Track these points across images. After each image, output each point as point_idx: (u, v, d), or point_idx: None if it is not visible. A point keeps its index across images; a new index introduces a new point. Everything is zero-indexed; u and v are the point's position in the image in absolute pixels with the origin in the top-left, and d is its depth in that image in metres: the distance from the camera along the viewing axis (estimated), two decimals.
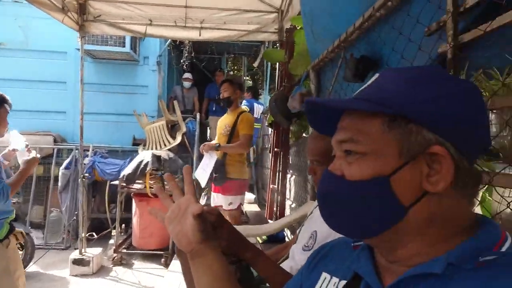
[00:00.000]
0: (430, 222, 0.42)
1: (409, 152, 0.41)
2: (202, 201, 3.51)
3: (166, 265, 3.37)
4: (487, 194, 0.84)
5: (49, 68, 4.49)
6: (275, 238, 2.14)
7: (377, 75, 0.48)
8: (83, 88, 3.10)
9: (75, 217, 3.82)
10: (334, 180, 0.46)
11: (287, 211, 3.16)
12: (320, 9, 1.80)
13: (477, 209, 0.86)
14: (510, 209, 0.72)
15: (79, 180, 3.37)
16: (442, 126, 0.41)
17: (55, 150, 4.13)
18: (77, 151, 3.76)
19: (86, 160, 3.94)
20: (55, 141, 4.27)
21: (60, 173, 3.97)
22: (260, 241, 2.17)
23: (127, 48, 4.23)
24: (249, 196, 3.88)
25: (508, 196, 0.73)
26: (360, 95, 0.47)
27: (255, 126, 4.23)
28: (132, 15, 3.02)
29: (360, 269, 0.48)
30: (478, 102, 0.43)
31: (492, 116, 0.79)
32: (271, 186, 3.36)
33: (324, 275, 0.55)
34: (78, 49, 3.17)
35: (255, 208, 3.69)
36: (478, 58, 0.81)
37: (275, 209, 3.19)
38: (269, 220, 3.01)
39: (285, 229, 2.59)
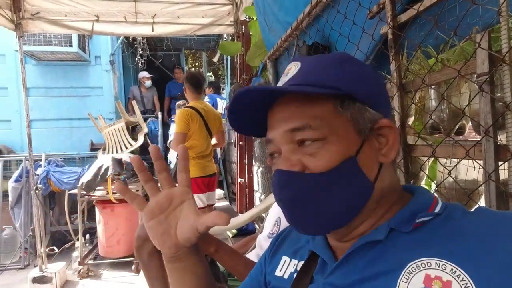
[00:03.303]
0: (383, 194, 0.44)
1: (364, 128, 0.43)
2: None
3: (138, 271, 3.26)
4: (427, 165, 0.90)
5: None
6: (245, 231, 2.14)
7: (298, 64, 0.46)
8: (26, 93, 2.85)
9: (31, 233, 3.54)
10: (299, 179, 0.42)
11: (257, 203, 3.17)
12: None
13: (423, 180, 0.92)
14: (452, 177, 0.77)
15: (32, 192, 3.12)
16: (377, 101, 0.45)
17: (2, 163, 3.78)
18: (27, 161, 3.47)
19: (39, 171, 3.66)
20: (0, 152, 3.90)
21: (9, 187, 3.64)
22: (231, 235, 2.16)
23: (74, 48, 3.94)
24: (218, 191, 3.85)
25: (449, 166, 0.77)
26: (292, 82, 0.44)
27: None
28: (76, 11, 2.81)
29: (315, 248, 0.50)
30: (383, 78, 0.51)
31: (431, 92, 0.84)
32: (239, 180, 3.35)
33: (284, 258, 0.56)
34: (17, 51, 2.89)
35: (225, 203, 3.67)
36: (415, 37, 0.85)
37: (244, 202, 3.20)
38: (239, 214, 3.01)
39: (256, 220, 2.60)
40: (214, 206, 2.99)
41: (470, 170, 0.74)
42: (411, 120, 0.92)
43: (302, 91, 0.43)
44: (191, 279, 0.52)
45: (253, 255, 1.18)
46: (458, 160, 0.71)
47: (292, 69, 0.46)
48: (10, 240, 3.65)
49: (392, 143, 0.44)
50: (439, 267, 0.36)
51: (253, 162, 3.19)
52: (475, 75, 0.65)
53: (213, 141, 2.83)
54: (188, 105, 2.57)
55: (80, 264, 3.26)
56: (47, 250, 3.30)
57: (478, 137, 0.67)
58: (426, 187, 0.92)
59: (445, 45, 0.78)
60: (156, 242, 0.50)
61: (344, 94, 0.42)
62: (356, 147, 0.42)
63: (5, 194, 3.69)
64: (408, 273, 0.37)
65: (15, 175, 3.69)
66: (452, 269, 0.35)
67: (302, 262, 0.51)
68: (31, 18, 2.75)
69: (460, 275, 0.35)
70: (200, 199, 2.60)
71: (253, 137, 3.15)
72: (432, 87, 0.80)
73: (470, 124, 0.80)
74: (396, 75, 0.87)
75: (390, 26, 0.86)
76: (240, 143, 3.24)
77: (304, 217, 0.43)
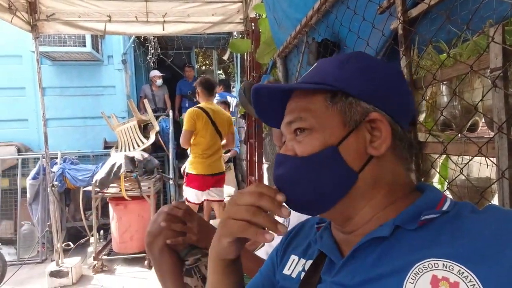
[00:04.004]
0: (376, 185, 0.45)
1: (351, 121, 0.45)
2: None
3: (150, 267, 3.32)
4: (439, 162, 0.88)
5: (3, 73, 4.18)
6: None
7: (316, 64, 0.52)
8: (42, 92, 2.94)
9: (48, 228, 3.66)
10: (287, 160, 0.48)
11: None
12: None
13: (435, 178, 0.90)
14: (464, 175, 0.75)
15: (49, 189, 3.22)
16: (374, 96, 0.46)
17: (20, 161, 3.91)
18: (43, 159, 3.57)
19: (55, 168, 3.77)
20: (19, 151, 4.03)
21: (27, 184, 3.77)
22: None
23: (88, 48, 4.02)
24: (229, 190, 3.87)
25: (461, 163, 0.76)
26: (302, 80, 0.51)
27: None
28: (89, 11, 2.87)
29: (322, 247, 0.50)
30: (397, 75, 0.49)
31: (443, 88, 0.82)
32: (249, 177, 3.36)
33: (293, 257, 0.57)
34: (34, 52, 2.98)
35: None
36: (426, 32, 0.83)
37: None
38: None
39: None
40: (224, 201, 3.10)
41: (483, 167, 0.73)
42: (422, 117, 0.90)
43: (287, 88, 0.51)
44: (240, 279, 0.56)
45: (262, 253, 1.19)
46: (471, 157, 0.70)
47: (312, 68, 0.52)
48: (29, 235, 3.78)
49: (384, 137, 0.45)
50: (446, 268, 0.36)
51: (263, 160, 3.19)
52: (488, 70, 0.63)
53: (223, 142, 3.01)
54: (198, 105, 2.84)
55: (94, 259, 3.35)
56: (63, 245, 3.40)
57: (492, 134, 0.66)
58: (438, 185, 0.90)
59: (457, 39, 0.77)
60: (234, 246, 0.50)
61: (335, 89, 0.45)
62: (339, 138, 0.44)
63: (24, 191, 3.82)
64: (415, 273, 0.37)
65: (32, 172, 3.81)
66: (459, 270, 0.35)
67: (310, 262, 0.52)
68: (46, 20, 2.82)
69: (467, 276, 0.34)
70: (195, 195, 2.87)
71: (263, 135, 3.15)
72: (444, 83, 0.79)
73: (483, 120, 0.78)
74: (406, 71, 0.85)
75: (400, 21, 0.84)
76: (251, 140, 3.24)
77: (288, 194, 0.47)
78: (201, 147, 2.80)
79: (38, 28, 2.81)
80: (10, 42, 4.11)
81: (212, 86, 2.88)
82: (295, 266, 0.55)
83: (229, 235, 0.47)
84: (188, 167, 2.90)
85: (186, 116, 2.77)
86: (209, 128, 2.78)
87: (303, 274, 0.51)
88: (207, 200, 2.98)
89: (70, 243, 3.71)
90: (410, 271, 0.38)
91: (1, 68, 4.19)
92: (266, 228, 0.45)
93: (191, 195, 2.87)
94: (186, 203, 2.82)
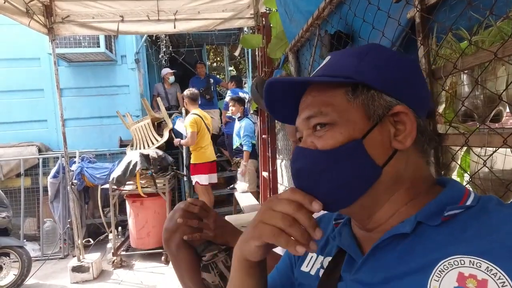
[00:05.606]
0: (398, 180, 0.44)
1: (375, 114, 0.44)
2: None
3: (167, 262, 3.39)
4: (460, 155, 0.85)
5: (23, 76, 4.32)
6: None
7: (329, 57, 0.50)
8: (60, 93, 3.02)
9: (69, 225, 3.78)
10: (308, 153, 0.46)
11: None
12: None
13: (454, 171, 0.87)
14: (487, 167, 0.72)
15: (68, 187, 3.32)
16: (396, 89, 0.45)
17: (41, 160, 4.04)
18: (63, 158, 3.68)
19: (74, 167, 3.87)
20: (39, 150, 4.16)
21: (48, 183, 3.90)
22: None
23: (102, 48, 4.10)
24: (242, 185, 3.88)
25: (484, 155, 0.73)
26: (316, 74, 0.49)
27: None
28: (102, 12, 2.92)
29: (342, 244, 0.49)
30: (415, 67, 0.48)
31: (463, 77, 0.79)
32: (262, 173, 3.36)
33: (311, 254, 0.56)
34: (51, 54, 3.05)
35: (249, 196, 3.70)
36: (446, 19, 0.80)
37: (268, 196, 3.20)
38: None
39: None
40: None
41: (508, 159, 0.70)
42: (441, 108, 0.87)
43: (307, 81, 0.48)
44: (263, 280, 0.53)
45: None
46: (495, 148, 0.67)
47: (324, 61, 0.50)
48: (51, 231, 3.92)
49: (409, 130, 0.43)
50: (473, 265, 0.34)
51: (277, 155, 3.18)
52: None
53: None
54: (194, 113, 3.87)
55: (113, 255, 3.44)
56: (83, 241, 3.51)
57: None
58: (458, 179, 0.87)
59: (479, 26, 0.73)
60: (262, 249, 0.47)
61: (355, 82, 0.44)
62: (363, 131, 0.43)
63: (45, 189, 3.96)
64: (439, 271, 0.36)
65: (53, 171, 3.94)
66: (487, 267, 0.33)
67: (328, 259, 0.51)
68: (62, 22, 2.88)
69: (496, 273, 0.33)
70: (205, 179, 3.86)
71: (275, 130, 3.14)
72: (465, 72, 0.75)
73: (507, 110, 0.75)
74: (424, 61, 0.82)
75: (417, 9, 0.81)
76: (264, 136, 3.23)
77: (308, 188, 0.45)
78: (201, 143, 3.82)
79: (54, 30, 2.88)
80: (28, 45, 4.23)
81: (196, 96, 4.02)
82: (313, 263, 0.54)
83: (259, 239, 0.44)
84: (193, 159, 3.87)
85: (190, 121, 3.72)
86: (203, 128, 3.85)
87: (321, 271, 0.51)
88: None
89: (90, 239, 3.83)
90: (435, 269, 0.36)
91: (21, 70, 4.33)
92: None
93: (200, 179, 3.83)
94: (198, 186, 3.85)
